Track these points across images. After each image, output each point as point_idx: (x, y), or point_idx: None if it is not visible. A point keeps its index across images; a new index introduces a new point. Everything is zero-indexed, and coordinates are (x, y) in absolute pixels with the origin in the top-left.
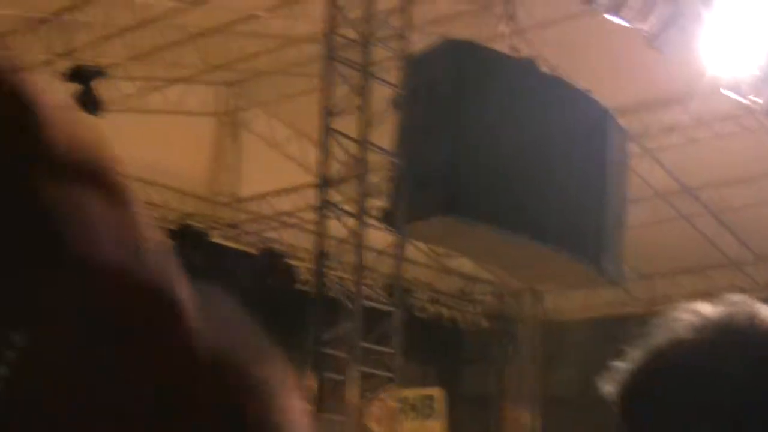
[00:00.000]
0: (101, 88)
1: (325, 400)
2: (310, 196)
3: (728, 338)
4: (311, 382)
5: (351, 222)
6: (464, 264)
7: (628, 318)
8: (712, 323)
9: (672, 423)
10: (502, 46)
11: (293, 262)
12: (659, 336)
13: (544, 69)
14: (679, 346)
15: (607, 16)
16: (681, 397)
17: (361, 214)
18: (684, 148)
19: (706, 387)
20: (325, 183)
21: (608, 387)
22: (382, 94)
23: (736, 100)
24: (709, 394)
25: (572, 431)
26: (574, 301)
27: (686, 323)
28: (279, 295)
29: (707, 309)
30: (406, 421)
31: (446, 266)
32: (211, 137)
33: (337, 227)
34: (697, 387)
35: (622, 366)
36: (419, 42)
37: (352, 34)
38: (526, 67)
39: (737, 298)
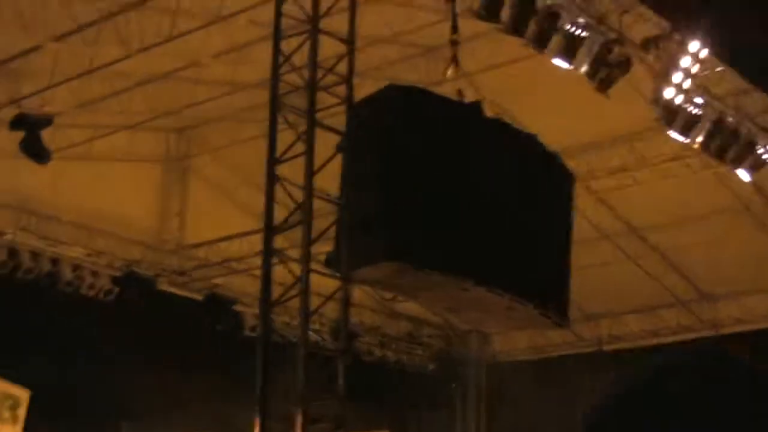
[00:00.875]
0: (48, 136)
1: None
2: (257, 242)
3: None
4: (257, 429)
5: (297, 268)
6: (411, 307)
7: (574, 358)
8: None
9: None
10: (446, 91)
11: (240, 309)
12: None
13: (490, 113)
14: None
15: (553, 60)
16: None
17: (306, 259)
18: (629, 189)
19: None
20: (269, 229)
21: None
22: (328, 140)
23: (681, 141)
24: None
25: None
26: (520, 342)
27: None
28: (226, 341)
29: None
30: None
31: (393, 310)
32: (158, 183)
33: (283, 273)
34: None
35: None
36: (365, 88)
37: (297, 80)
38: (472, 110)
39: None
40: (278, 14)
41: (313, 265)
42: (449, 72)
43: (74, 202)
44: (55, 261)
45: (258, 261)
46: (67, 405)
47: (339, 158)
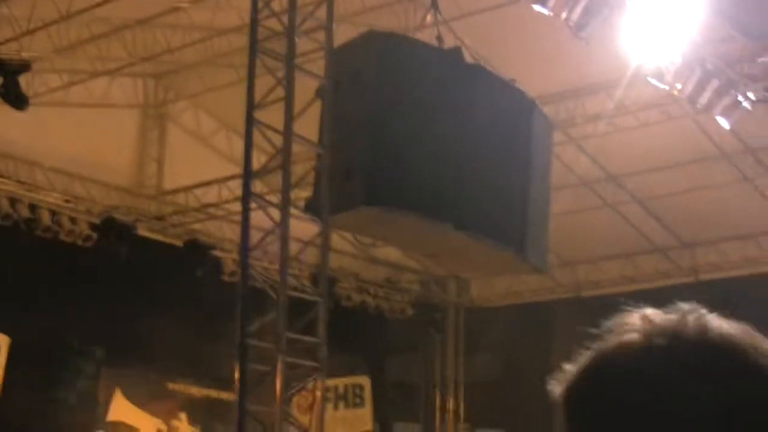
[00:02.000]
0: (26, 81)
1: (251, 392)
2: (236, 188)
3: (677, 346)
4: (237, 373)
5: (276, 213)
6: (390, 253)
7: (553, 304)
8: (662, 330)
9: (614, 424)
10: (426, 37)
11: (219, 254)
12: (608, 339)
13: (469, 59)
14: (627, 349)
15: (533, 6)
16: (625, 400)
17: (285, 205)
18: (609, 136)
19: (651, 392)
20: (248, 174)
21: (555, 387)
22: (306, 86)
23: (661, 88)
24: (653, 399)
25: (496, 416)
26: (498, 287)
27: (637, 328)
28: (205, 286)
29: (656, 315)
30: (336, 411)
31: (372, 255)
32: (136, 130)
33: (262, 218)
34: (641, 391)
35: (570, 368)
36: (344, 33)
37: (276, 25)
38: (451, 57)
39: (690, 307)
40: None
41: (292, 211)
42: (429, 18)
43: (52, 148)
44: (33, 207)
45: (237, 206)
46: (46, 351)
47: (318, 104)
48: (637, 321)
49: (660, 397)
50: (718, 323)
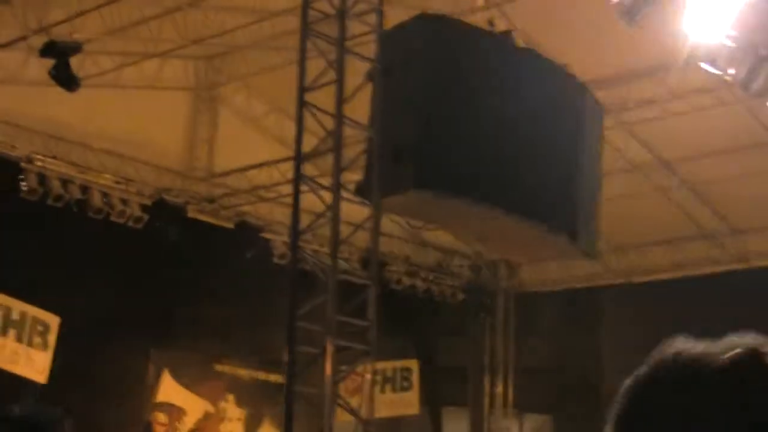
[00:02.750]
0: (77, 63)
1: (300, 374)
2: (287, 170)
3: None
4: (286, 355)
5: (327, 196)
6: (441, 237)
7: (602, 290)
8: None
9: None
10: (478, 20)
11: (269, 236)
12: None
13: (521, 43)
14: (683, 355)
15: None
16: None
17: (336, 187)
18: (660, 122)
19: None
20: (300, 157)
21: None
22: (358, 69)
23: (713, 73)
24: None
25: (546, 402)
26: (548, 273)
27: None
28: (255, 269)
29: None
30: (382, 394)
31: (423, 239)
32: (187, 112)
33: (313, 201)
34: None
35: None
36: (395, 16)
37: (328, 8)
38: (502, 41)
39: (759, 340)
40: None
41: (343, 193)
42: (480, 1)
43: (103, 130)
44: (84, 188)
45: (287, 189)
46: (96, 331)
47: (369, 87)
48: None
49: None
50: None
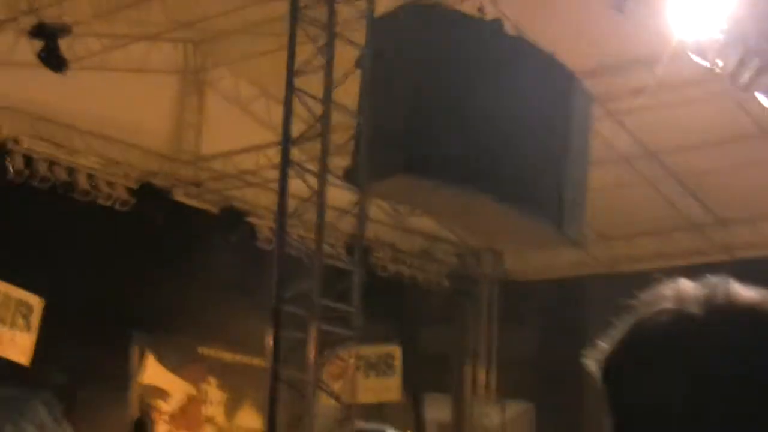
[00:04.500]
0: (65, 45)
1: (284, 358)
2: (274, 155)
3: (708, 314)
4: (270, 339)
5: (313, 181)
6: (426, 223)
7: (588, 279)
8: (694, 300)
9: (653, 388)
10: (468, 8)
11: (254, 221)
12: (643, 308)
13: (510, 31)
14: (662, 318)
15: None
16: (658, 367)
17: (323, 172)
18: (649, 112)
19: (683, 359)
20: (287, 141)
21: (591, 358)
22: (347, 54)
23: (702, 65)
24: (684, 366)
25: (529, 390)
26: (534, 261)
27: (668, 297)
28: (240, 253)
29: (687, 285)
30: (366, 379)
31: (408, 225)
32: (174, 95)
33: (299, 186)
34: (674, 358)
35: (606, 338)
36: (385, 2)
37: None
38: (492, 28)
39: (719, 279)
40: None
41: (330, 179)
42: None
43: (91, 112)
44: (70, 170)
45: (274, 174)
46: (80, 313)
47: (358, 73)
48: (671, 292)
49: (692, 364)
50: (747, 293)
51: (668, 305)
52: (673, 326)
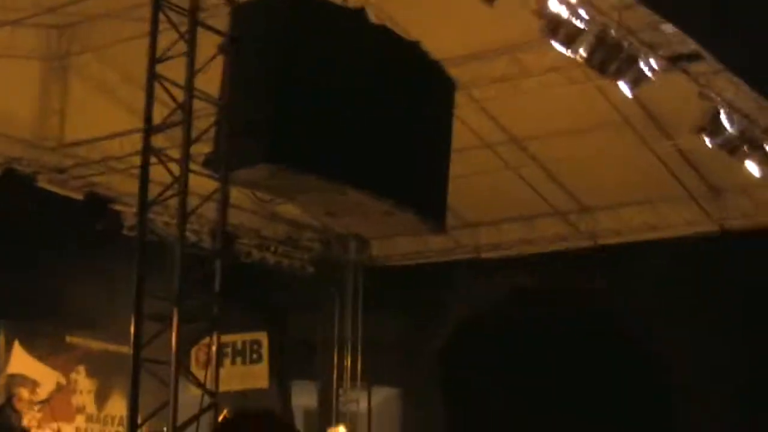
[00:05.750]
0: None
1: (148, 345)
2: (138, 142)
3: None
4: (134, 327)
5: (176, 168)
6: (291, 210)
7: (453, 265)
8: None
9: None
10: None
11: (120, 208)
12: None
13: (375, 19)
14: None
15: None
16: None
17: (185, 159)
18: (512, 100)
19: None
20: (149, 128)
21: (433, 342)
22: (210, 41)
23: (564, 52)
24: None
25: (395, 376)
26: (399, 247)
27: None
28: (106, 240)
29: None
30: (233, 366)
31: (273, 212)
32: (38, 81)
33: (163, 173)
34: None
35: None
36: None
37: None
38: (356, 17)
39: None
40: None
41: (192, 166)
42: None
43: None
44: None
45: (138, 160)
46: None
47: (220, 60)
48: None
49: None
50: None
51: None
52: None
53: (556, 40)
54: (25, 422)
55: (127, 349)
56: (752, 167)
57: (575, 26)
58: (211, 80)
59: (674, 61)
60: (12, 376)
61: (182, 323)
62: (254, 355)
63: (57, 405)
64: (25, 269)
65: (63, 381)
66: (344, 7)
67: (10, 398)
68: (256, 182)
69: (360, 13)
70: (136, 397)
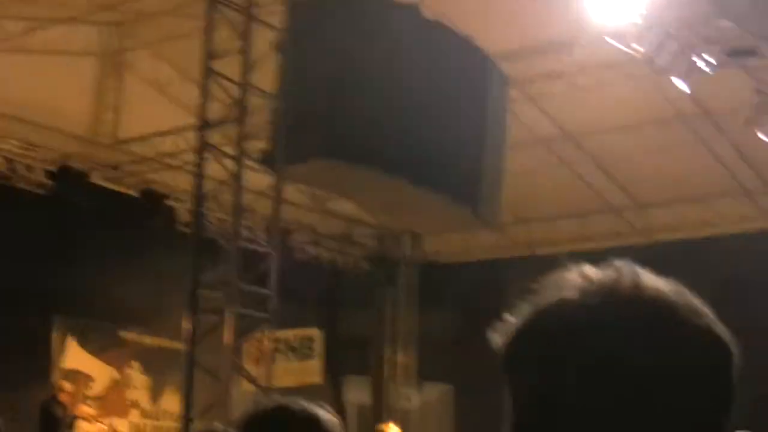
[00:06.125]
0: None
1: (201, 342)
2: (193, 138)
3: (612, 301)
4: (188, 323)
5: (231, 164)
6: (345, 206)
7: (507, 262)
8: (597, 286)
9: (547, 380)
10: None
11: (174, 204)
12: (546, 294)
13: (428, 15)
14: (564, 305)
15: None
16: (562, 355)
17: (240, 155)
18: (567, 95)
19: (587, 347)
20: (205, 125)
21: (495, 340)
22: (265, 37)
23: (620, 48)
24: (589, 353)
25: (448, 372)
26: (453, 244)
27: (572, 284)
28: (160, 236)
29: (593, 272)
30: (285, 362)
31: (327, 208)
32: (93, 77)
33: (218, 169)
34: (578, 346)
35: (509, 322)
36: None
37: None
38: (409, 12)
39: (621, 263)
40: None
41: (247, 162)
42: None
43: (9, 95)
44: None
45: (192, 157)
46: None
47: (275, 56)
48: (575, 277)
49: (592, 354)
50: (653, 281)
51: (569, 294)
52: (574, 317)
53: (613, 36)
54: (73, 414)
55: (179, 345)
56: None
57: (632, 21)
58: (266, 76)
59: (731, 56)
60: (68, 372)
61: (237, 319)
62: (307, 351)
63: (111, 399)
64: (80, 265)
65: (117, 376)
66: (398, 2)
67: (56, 392)
68: (311, 178)
69: (413, 8)
70: (189, 394)
